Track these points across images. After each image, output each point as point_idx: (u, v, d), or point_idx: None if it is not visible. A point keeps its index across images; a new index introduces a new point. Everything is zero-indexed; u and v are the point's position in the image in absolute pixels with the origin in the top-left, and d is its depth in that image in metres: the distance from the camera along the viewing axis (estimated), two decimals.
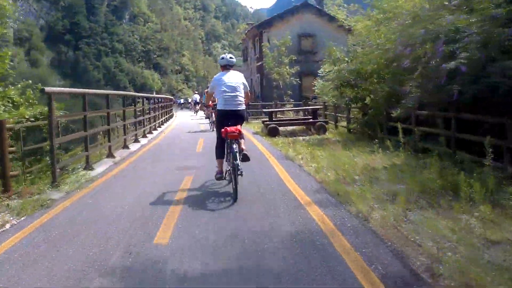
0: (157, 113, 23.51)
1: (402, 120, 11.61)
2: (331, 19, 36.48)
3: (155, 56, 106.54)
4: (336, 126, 18.49)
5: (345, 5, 44.10)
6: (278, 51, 33.04)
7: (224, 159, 7.67)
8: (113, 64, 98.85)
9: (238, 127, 7.28)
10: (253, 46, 40.79)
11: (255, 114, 28.42)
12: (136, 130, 16.63)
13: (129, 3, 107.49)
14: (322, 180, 8.22)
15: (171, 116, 36.54)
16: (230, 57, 8.04)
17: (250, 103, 25.08)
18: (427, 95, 9.99)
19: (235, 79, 7.77)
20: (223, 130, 7.24)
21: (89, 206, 6.89)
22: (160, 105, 25.93)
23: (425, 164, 8.68)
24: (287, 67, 32.81)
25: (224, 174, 7.61)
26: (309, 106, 24.34)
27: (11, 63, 16.30)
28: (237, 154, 7.02)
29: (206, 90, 15.42)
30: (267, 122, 17.50)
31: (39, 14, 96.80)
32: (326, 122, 17.79)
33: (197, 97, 42.54)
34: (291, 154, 11.95)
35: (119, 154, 13.04)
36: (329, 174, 8.82)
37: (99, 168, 10.49)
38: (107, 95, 12.61)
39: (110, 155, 12.32)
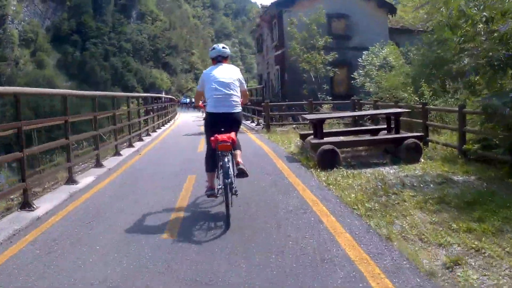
0: (136, 120, 15.22)
1: None
2: None
3: (164, 55, 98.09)
4: (426, 143, 10.15)
5: None
6: (308, 32, 23.88)
7: (216, 173, 5.99)
8: (121, 64, 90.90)
9: (232, 134, 5.69)
10: (270, 32, 31.60)
11: (280, 119, 19.68)
12: (68, 163, 8.38)
13: (137, 2, 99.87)
14: None
15: (171, 119, 28.62)
16: (223, 47, 6.43)
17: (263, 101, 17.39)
18: None
19: (229, 74, 6.14)
20: (212, 138, 5.64)
21: None
22: (145, 109, 17.60)
23: None
24: (321, 52, 23.84)
25: (216, 190, 5.92)
26: (360, 105, 15.85)
27: None
28: (230, 169, 5.47)
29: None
30: (316, 141, 9.14)
31: (45, 15, 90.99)
32: (421, 138, 9.36)
33: None
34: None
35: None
36: None
37: None
38: None
39: None
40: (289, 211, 5.89)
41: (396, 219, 5.32)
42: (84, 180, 8.56)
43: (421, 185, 6.97)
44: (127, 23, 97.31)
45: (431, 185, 6.96)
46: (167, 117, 26.34)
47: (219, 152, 5.59)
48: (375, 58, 20.83)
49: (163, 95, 44.85)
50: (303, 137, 10.67)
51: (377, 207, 5.81)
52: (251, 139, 14.54)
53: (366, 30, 25.85)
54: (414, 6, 29.67)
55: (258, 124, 19.42)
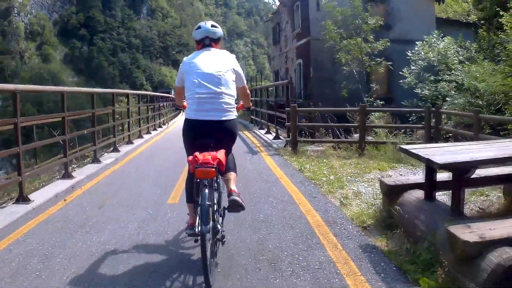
0: (83, 132, 9.47)
1: None
2: None
3: (174, 52, 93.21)
4: None
5: None
6: (350, 11, 16.98)
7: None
8: (130, 60, 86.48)
9: (220, 153, 3.37)
10: (291, 19, 25.05)
11: (311, 134, 13.17)
12: None
13: None
14: None
15: (165, 122, 23.09)
16: (212, 25, 3.88)
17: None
18: None
19: (219, 63, 3.70)
20: (190, 158, 3.39)
21: None
22: (112, 112, 11.88)
23: None
24: (371, 37, 17.21)
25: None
26: (438, 117, 9.75)
27: None
28: (212, 206, 3.26)
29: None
30: (474, 236, 2.92)
31: (52, 8, 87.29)
32: None
33: None
34: None
35: None
36: None
37: None
38: None
39: None
40: None
41: None
42: None
43: None
44: (136, 18, 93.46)
45: None
46: (159, 121, 20.54)
47: (198, 180, 3.37)
48: (430, 52, 15.14)
49: (172, 94, 40.28)
50: (392, 191, 4.55)
51: None
52: (270, 170, 8.16)
53: (408, 19, 19.97)
54: None
55: (277, 137, 13.24)
